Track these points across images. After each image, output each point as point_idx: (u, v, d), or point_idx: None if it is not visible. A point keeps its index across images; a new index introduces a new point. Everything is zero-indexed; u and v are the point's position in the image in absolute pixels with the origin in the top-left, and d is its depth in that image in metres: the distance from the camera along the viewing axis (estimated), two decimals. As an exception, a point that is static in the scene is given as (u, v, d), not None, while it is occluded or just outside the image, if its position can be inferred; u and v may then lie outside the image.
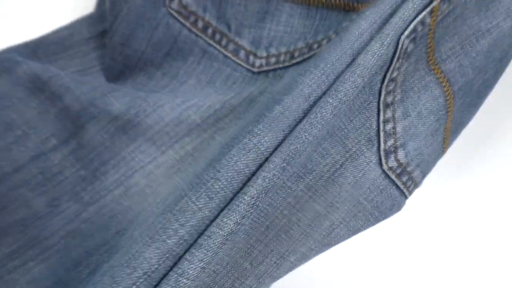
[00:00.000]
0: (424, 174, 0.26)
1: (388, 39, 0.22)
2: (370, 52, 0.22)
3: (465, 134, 0.28)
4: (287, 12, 0.28)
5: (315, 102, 0.22)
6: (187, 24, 0.29)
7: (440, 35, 0.25)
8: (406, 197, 0.26)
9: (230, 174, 0.21)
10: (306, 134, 0.21)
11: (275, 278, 0.24)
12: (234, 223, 0.20)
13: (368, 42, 0.22)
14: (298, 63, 0.27)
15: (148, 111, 0.27)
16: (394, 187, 0.25)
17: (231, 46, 0.29)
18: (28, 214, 0.27)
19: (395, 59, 0.23)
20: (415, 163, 0.25)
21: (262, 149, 0.21)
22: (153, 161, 0.27)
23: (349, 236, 0.25)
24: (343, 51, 0.22)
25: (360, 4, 0.27)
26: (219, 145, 0.25)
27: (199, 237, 0.20)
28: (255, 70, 0.28)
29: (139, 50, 0.30)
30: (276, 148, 0.21)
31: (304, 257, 0.24)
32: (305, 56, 0.27)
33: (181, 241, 0.20)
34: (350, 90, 0.22)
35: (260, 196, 0.21)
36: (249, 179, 0.21)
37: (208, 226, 0.20)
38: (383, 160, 0.25)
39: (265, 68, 0.28)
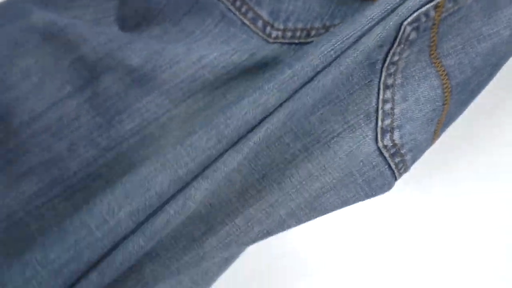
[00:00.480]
0: (414, 160, 0.28)
1: (390, 23, 0.24)
2: (373, 33, 0.24)
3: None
4: None
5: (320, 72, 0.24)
6: None
7: (444, 32, 0.27)
8: (395, 179, 0.28)
9: (239, 123, 0.23)
10: (308, 98, 0.24)
11: (266, 227, 0.25)
12: (236, 163, 0.23)
13: (372, 24, 0.24)
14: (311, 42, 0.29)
15: (164, 67, 0.28)
16: (386, 166, 0.27)
17: (250, 14, 0.30)
18: (50, 157, 0.28)
19: (396, 43, 0.25)
20: (408, 147, 0.27)
21: (269, 106, 0.23)
22: (167, 113, 0.28)
23: (338, 205, 0.27)
24: (354, 31, 0.24)
25: None
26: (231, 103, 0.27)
27: (204, 170, 0.22)
28: (271, 40, 0.29)
29: (162, 3, 0.31)
30: (281, 105, 0.24)
31: (294, 216, 0.26)
32: (321, 37, 0.29)
33: (189, 173, 0.22)
34: (351, 64, 0.24)
35: (262, 143, 0.23)
36: (254, 127, 0.23)
37: (213, 162, 0.23)
38: (379, 137, 0.26)
39: (280, 40, 0.29)
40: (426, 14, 0.25)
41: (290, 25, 0.29)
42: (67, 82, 0.29)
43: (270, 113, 0.23)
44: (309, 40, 0.29)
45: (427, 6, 0.25)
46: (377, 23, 0.25)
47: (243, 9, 0.30)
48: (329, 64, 0.24)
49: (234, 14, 0.30)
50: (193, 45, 0.29)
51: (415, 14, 0.24)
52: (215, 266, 0.27)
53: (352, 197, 0.27)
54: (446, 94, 0.28)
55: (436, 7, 0.25)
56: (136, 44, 0.29)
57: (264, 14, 0.30)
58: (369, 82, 0.26)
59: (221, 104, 0.28)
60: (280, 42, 0.29)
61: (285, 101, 0.24)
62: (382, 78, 0.26)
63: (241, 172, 0.24)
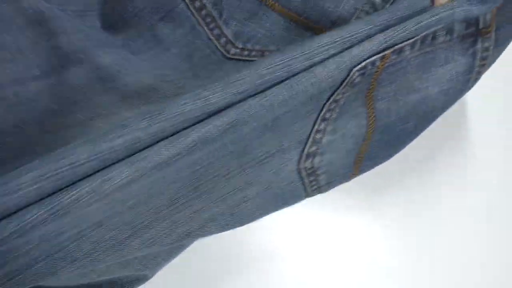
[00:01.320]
0: (328, 182, 0.32)
1: (344, 65, 0.26)
2: (326, 70, 0.26)
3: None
4: (272, 20, 0.32)
5: (266, 84, 0.25)
6: (187, 0, 0.32)
7: (383, 78, 0.29)
8: (307, 194, 0.31)
9: (174, 110, 0.23)
10: (252, 111, 0.25)
11: (186, 228, 0.27)
12: (169, 155, 0.23)
13: (325, 57, 0.26)
14: None
15: (129, 71, 0.30)
16: (300, 183, 0.30)
17: (216, 31, 0.32)
18: None
19: (343, 84, 0.27)
20: (324, 169, 0.31)
21: (212, 101, 0.24)
22: (118, 113, 0.29)
23: (254, 214, 0.30)
24: (302, 53, 0.26)
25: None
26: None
27: (132, 154, 0.22)
28: (229, 56, 0.32)
29: (138, 8, 0.32)
30: (225, 108, 0.24)
31: (214, 220, 0.28)
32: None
33: (112, 150, 0.22)
34: (301, 94, 0.26)
35: (198, 144, 0.24)
36: (192, 125, 0.24)
37: (143, 149, 0.23)
38: (302, 160, 0.29)
39: (237, 57, 0.32)
40: (373, 63, 0.27)
41: (249, 45, 0.32)
42: (37, 66, 0.29)
43: (214, 113, 0.24)
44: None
45: (376, 56, 0.27)
46: (328, 55, 0.26)
47: (211, 26, 0.32)
48: (278, 81, 0.25)
49: (203, 28, 0.32)
50: (162, 57, 0.32)
51: (364, 63, 0.27)
52: (164, 252, 0.29)
53: (268, 207, 0.30)
54: (368, 133, 0.31)
55: (383, 57, 0.27)
56: (109, 48, 0.31)
57: (228, 33, 0.32)
58: (310, 114, 0.28)
59: None
60: (237, 59, 0.32)
61: (228, 107, 0.24)
62: (322, 112, 0.28)
63: (175, 184, 0.25)
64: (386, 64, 0.28)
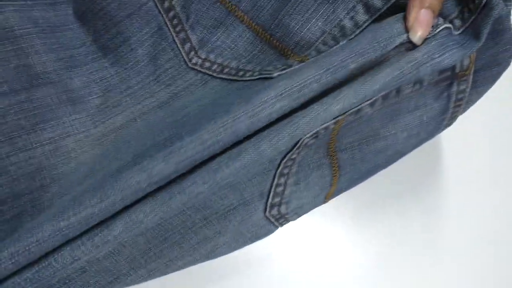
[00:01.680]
0: (299, 216, 0.34)
1: (291, 138, 0.27)
2: (272, 147, 0.27)
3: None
4: (238, 32, 0.32)
5: (211, 151, 0.26)
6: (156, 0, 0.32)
7: (344, 132, 0.30)
8: (278, 228, 0.34)
9: (123, 186, 0.26)
10: (199, 189, 0.27)
11: (164, 274, 0.32)
12: (123, 227, 0.26)
13: (270, 111, 0.26)
14: (222, 78, 0.32)
15: (98, 94, 0.32)
16: (271, 225, 0.33)
17: (182, 35, 0.32)
18: None
19: (295, 148, 0.28)
20: (293, 212, 0.33)
21: (154, 173, 0.26)
22: (86, 131, 0.31)
23: (229, 252, 0.33)
24: (245, 112, 0.26)
25: (294, 54, 0.30)
26: (136, 130, 0.31)
27: (88, 229, 0.26)
28: (190, 65, 0.32)
29: (106, 1, 0.32)
30: (167, 178, 0.26)
31: (190, 263, 0.32)
32: (229, 77, 0.31)
33: (71, 226, 0.25)
34: (250, 163, 0.27)
35: (155, 210, 0.27)
36: (143, 197, 0.26)
37: (98, 223, 0.26)
38: (268, 210, 0.31)
39: (197, 68, 0.32)
40: (326, 128, 0.27)
41: (211, 57, 0.32)
42: (6, 82, 0.30)
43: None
44: (220, 75, 0.32)
45: (329, 123, 0.27)
46: (275, 111, 0.26)
47: (178, 28, 0.32)
48: (223, 149, 0.27)
49: (169, 29, 0.32)
50: (126, 73, 0.32)
51: (315, 131, 0.27)
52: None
53: (240, 245, 0.33)
54: (334, 180, 0.32)
55: (336, 122, 0.27)
56: (81, 69, 0.32)
57: (194, 39, 0.32)
58: (267, 171, 0.29)
59: (130, 128, 0.32)
60: (197, 70, 0.32)
61: (171, 173, 0.26)
62: (279, 169, 0.29)
63: (145, 235, 0.29)
64: (344, 123, 0.29)
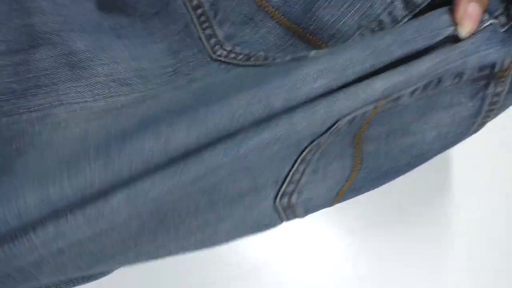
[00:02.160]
0: (306, 212, 0.31)
1: (329, 117, 0.24)
2: (307, 120, 0.24)
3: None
4: (268, 28, 0.30)
5: (241, 124, 0.23)
6: None
7: (375, 120, 0.27)
8: (283, 221, 0.30)
9: (132, 152, 0.22)
10: (219, 161, 0.23)
11: (153, 258, 0.27)
12: (127, 196, 0.22)
13: (310, 95, 0.24)
14: (247, 65, 0.29)
15: (102, 61, 0.28)
16: (277, 216, 0.29)
17: (208, 31, 0.30)
18: None
19: (327, 133, 0.25)
20: (302, 205, 0.30)
21: (173, 141, 0.22)
22: (82, 103, 0.28)
23: (225, 241, 0.29)
24: (283, 86, 0.23)
25: (327, 46, 0.28)
26: (146, 108, 0.27)
27: (83, 201, 0.21)
28: (214, 56, 0.30)
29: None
30: (186, 150, 0.23)
31: (183, 249, 0.28)
32: (257, 63, 0.29)
33: (63, 198, 0.21)
34: (277, 143, 0.24)
35: (165, 195, 0.23)
36: (155, 169, 0.22)
37: (96, 198, 0.22)
38: (278, 198, 0.28)
39: (222, 59, 0.30)
40: (364, 113, 0.25)
41: (237, 49, 0.30)
42: (4, 41, 0.28)
43: (179, 157, 0.23)
44: (246, 63, 0.29)
45: (368, 107, 0.25)
46: (316, 97, 0.24)
47: (204, 25, 0.30)
48: (255, 122, 0.23)
49: (195, 27, 0.30)
50: (141, 51, 0.30)
51: (353, 115, 0.24)
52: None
53: (240, 234, 0.29)
54: (352, 174, 0.29)
55: (375, 107, 0.25)
56: (87, 34, 0.29)
57: (220, 34, 0.30)
58: (288, 157, 0.26)
59: (138, 108, 0.28)
60: (220, 61, 0.30)
61: (192, 148, 0.23)
62: (302, 155, 0.26)
63: (140, 217, 0.24)
64: (379, 110, 0.26)
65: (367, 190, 0.32)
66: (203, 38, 0.30)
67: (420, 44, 0.25)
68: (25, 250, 0.21)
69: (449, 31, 0.25)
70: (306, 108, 0.24)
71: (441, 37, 0.25)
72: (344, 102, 0.24)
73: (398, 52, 0.24)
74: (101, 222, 0.22)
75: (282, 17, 0.30)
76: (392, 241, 0.40)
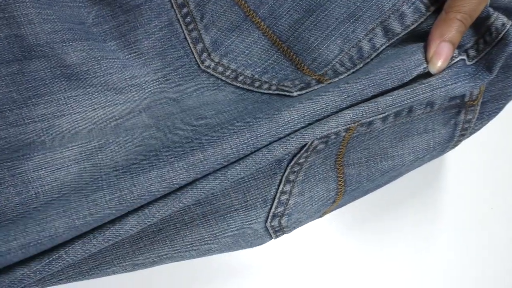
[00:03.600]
0: (294, 229, 0.33)
1: (302, 139, 0.26)
2: (282, 146, 0.26)
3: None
4: (254, 38, 0.31)
5: (230, 160, 0.25)
6: None
7: (353, 145, 0.30)
8: (272, 239, 0.32)
9: (142, 192, 0.24)
10: (216, 181, 0.26)
11: (150, 267, 0.30)
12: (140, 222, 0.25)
13: (291, 131, 0.26)
14: (236, 86, 0.31)
15: (97, 74, 0.30)
16: (267, 236, 0.31)
17: (194, 34, 0.31)
18: None
19: (303, 150, 0.28)
20: (292, 226, 0.32)
21: (175, 182, 0.25)
22: (83, 112, 0.30)
23: (216, 253, 0.31)
24: (269, 131, 0.26)
25: (310, 70, 0.30)
26: (141, 121, 0.29)
27: (102, 227, 0.24)
28: (202, 67, 0.31)
29: None
30: (187, 185, 0.25)
31: (178, 260, 0.30)
32: (244, 86, 0.31)
33: (87, 225, 0.24)
34: (260, 163, 0.26)
35: (160, 214, 0.25)
36: (155, 200, 0.25)
37: (112, 223, 0.25)
38: (269, 220, 0.30)
39: (210, 71, 0.31)
40: (337, 133, 0.27)
41: (224, 61, 0.31)
42: None
43: (175, 190, 0.25)
44: (234, 82, 0.31)
45: (339, 128, 0.26)
46: (294, 131, 0.26)
47: (190, 26, 0.31)
48: (241, 158, 0.26)
49: (181, 26, 0.31)
50: (130, 61, 0.31)
51: (325, 133, 0.26)
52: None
53: (232, 250, 0.32)
54: (338, 196, 0.31)
55: (347, 129, 0.27)
56: (79, 43, 0.30)
57: (207, 39, 0.31)
58: (273, 174, 0.29)
59: (133, 119, 0.30)
60: (209, 73, 0.31)
61: (193, 181, 0.26)
62: (286, 173, 0.29)
63: (144, 230, 0.27)
64: (355, 134, 0.29)
65: (347, 204, 0.34)
66: (190, 41, 0.31)
67: (391, 85, 0.26)
68: (58, 265, 0.24)
69: (420, 69, 0.26)
70: (284, 138, 0.26)
71: (412, 77, 0.26)
72: (317, 125, 0.26)
73: (371, 93, 0.26)
74: (118, 239, 0.25)
75: (268, 29, 0.31)
76: (389, 239, 0.41)
